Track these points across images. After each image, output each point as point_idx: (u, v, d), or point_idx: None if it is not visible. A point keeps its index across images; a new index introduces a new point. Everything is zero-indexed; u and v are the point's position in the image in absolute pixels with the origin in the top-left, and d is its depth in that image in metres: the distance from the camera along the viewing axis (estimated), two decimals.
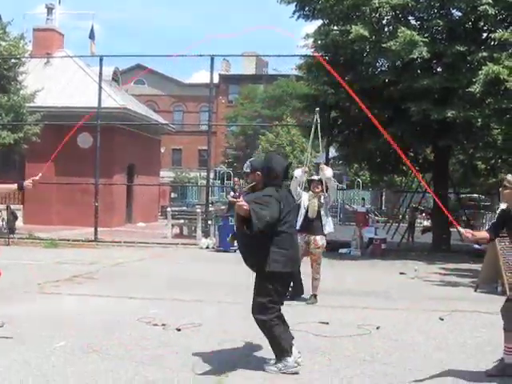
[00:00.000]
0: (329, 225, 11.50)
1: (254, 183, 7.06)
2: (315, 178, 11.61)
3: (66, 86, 29.99)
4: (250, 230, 6.41)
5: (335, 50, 20.87)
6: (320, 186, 11.38)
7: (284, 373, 6.78)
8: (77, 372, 6.74)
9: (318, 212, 11.26)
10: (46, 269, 15.37)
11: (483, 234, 7.31)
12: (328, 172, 11.43)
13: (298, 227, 10.62)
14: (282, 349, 6.89)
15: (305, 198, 11.41)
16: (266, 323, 6.85)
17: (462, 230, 7.00)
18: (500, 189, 7.51)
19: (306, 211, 11.26)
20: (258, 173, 7.04)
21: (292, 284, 10.55)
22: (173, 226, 26.19)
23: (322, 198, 11.34)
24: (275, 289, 6.85)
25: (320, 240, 11.31)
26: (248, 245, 6.78)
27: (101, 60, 24.88)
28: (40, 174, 8.27)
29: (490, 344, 8.31)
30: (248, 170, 7.26)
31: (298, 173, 11.34)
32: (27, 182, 8.15)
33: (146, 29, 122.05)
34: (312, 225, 11.27)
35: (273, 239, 6.74)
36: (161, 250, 21.35)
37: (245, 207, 6.36)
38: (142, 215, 32.55)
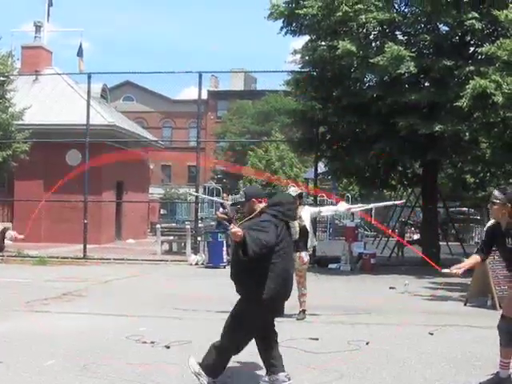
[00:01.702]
0: (310, 239, 11.64)
1: (255, 212, 6.89)
2: (292, 194, 11.31)
3: (54, 103, 29.96)
4: (245, 254, 6.31)
5: (323, 66, 20.94)
6: (298, 200, 11.08)
7: None
8: None
9: (302, 230, 11.23)
10: (34, 287, 15.29)
11: (473, 259, 7.30)
12: (342, 207, 12.27)
13: None
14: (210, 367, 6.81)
15: None
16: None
17: (447, 270, 7.02)
18: (488, 205, 7.50)
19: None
20: (254, 199, 6.95)
21: None
22: (162, 242, 26.11)
23: (304, 214, 11.36)
24: (261, 314, 6.75)
25: (305, 256, 11.39)
26: (241, 271, 6.65)
27: (89, 77, 24.92)
28: (22, 236, 8.29)
29: (481, 358, 8.30)
30: (243, 199, 7.18)
31: (292, 191, 11.33)
32: (12, 234, 8.17)
33: (135, 45, 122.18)
34: (296, 243, 11.04)
35: (266, 266, 6.61)
36: (150, 266, 21.28)
37: (239, 233, 6.28)
38: (132, 232, 32.47)
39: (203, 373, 6.74)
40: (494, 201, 6.83)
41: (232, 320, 6.78)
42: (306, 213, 11.45)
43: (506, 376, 6.88)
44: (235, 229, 6.35)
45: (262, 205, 6.93)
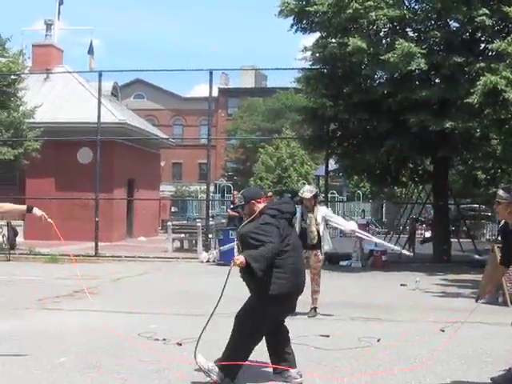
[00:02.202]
0: (327, 243, 11.60)
1: (255, 213, 6.94)
2: (307, 195, 11.40)
3: (65, 101, 30.05)
4: (255, 276, 6.45)
5: (333, 63, 20.93)
6: (313, 201, 11.41)
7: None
8: None
9: (318, 234, 11.36)
10: (46, 284, 15.35)
11: (500, 274, 7.36)
12: (349, 226, 12.24)
13: None
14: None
15: (299, 216, 11.29)
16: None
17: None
18: (494, 205, 7.53)
19: (303, 230, 11.20)
20: (253, 201, 6.99)
21: None
22: (173, 240, 26.16)
23: (319, 217, 11.39)
24: (273, 310, 6.80)
25: (320, 255, 11.49)
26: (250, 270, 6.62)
27: (100, 75, 24.99)
28: (49, 220, 8.29)
29: (492, 355, 8.30)
30: (242, 202, 7.17)
31: (307, 190, 11.56)
32: (38, 211, 8.16)
33: (146, 43, 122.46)
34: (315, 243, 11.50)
35: (275, 262, 6.65)
36: (161, 264, 21.33)
37: (239, 261, 6.42)
38: (143, 230, 32.56)
39: (215, 369, 6.76)
40: (499, 200, 6.87)
41: (242, 316, 6.82)
42: (320, 215, 11.42)
43: None
44: (235, 259, 6.51)
45: (262, 205, 6.98)
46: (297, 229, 10.85)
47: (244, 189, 7.74)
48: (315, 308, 11.45)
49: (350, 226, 12.22)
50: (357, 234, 12.29)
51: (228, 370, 6.75)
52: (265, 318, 6.78)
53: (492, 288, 7.30)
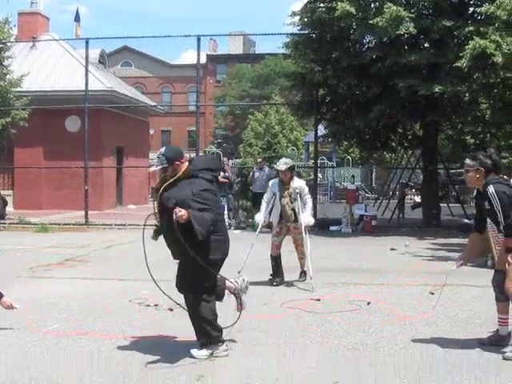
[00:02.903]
0: (307, 216, 11.12)
1: (178, 175, 6.56)
2: (282, 168, 11.00)
3: (52, 69, 29.84)
4: (194, 239, 6.22)
5: (322, 27, 20.84)
6: (289, 173, 11.06)
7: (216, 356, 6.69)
8: (71, 354, 6.78)
9: (294, 211, 11.05)
10: (37, 253, 15.35)
11: (472, 241, 7.65)
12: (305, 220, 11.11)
13: (274, 217, 11.26)
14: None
15: (274, 189, 11.24)
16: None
17: (455, 267, 7.22)
18: (463, 175, 7.71)
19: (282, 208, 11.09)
20: (177, 162, 6.57)
21: (272, 271, 11.20)
22: None
23: (294, 193, 11.03)
24: (212, 274, 6.70)
25: (300, 226, 11.06)
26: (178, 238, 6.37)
27: (87, 42, 24.75)
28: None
29: (480, 316, 8.40)
30: (165, 164, 6.62)
31: (283, 163, 11.11)
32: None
33: (133, 10, 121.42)
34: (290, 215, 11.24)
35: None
36: (152, 231, 21.29)
37: (182, 215, 6.13)
38: (133, 198, 32.51)
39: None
40: (468, 169, 7.03)
41: (191, 288, 6.73)
42: (295, 191, 11.03)
43: (505, 333, 6.95)
44: (180, 212, 6.15)
45: (185, 165, 6.61)
46: (278, 206, 11.14)
47: (164, 148, 6.83)
48: (304, 272, 11.37)
49: (306, 219, 11.08)
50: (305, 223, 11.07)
51: (211, 339, 6.73)
52: (211, 279, 6.74)
53: (466, 256, 7.43)
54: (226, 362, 6.56)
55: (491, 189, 6.70)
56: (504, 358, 6.55)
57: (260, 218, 11.30)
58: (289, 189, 11.04)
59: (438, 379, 5.97)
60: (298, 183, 11.24)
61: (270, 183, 11.53)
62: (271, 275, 11.16)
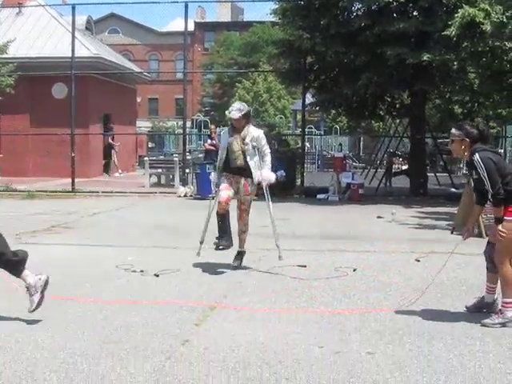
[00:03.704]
0: (265, 171, 9.34)
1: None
2: (234, 115, 9.14)
3: (38, 36, 29.53)
4: None
5: None
6: (243, 121, 9.19)
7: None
8: (57, 318, 6.79)
9: (244, 156, 9.21)
10: (23, 220, 15.29)
11: (476, 213, 7.48)
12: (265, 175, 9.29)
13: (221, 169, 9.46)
14: None
15: (224, 137, 9.56)
16: None
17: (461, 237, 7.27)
18: (448, 145, 7.70)
19: (227, 153, 9.27)
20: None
21: (218, 232, 9.51)
22: (151, 175, 26.12)
23: (248, 137, 9.17)
24: None
25: (251, 185, 9.32)
26: None
27: (73, 8, 24.51)
28: None
29: (466, 283, 8.44)
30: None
31: (236, 109, 9.22)
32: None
33: None
34: (240, 168, 9.30)
35: None
36: (139, 199, 21.31)
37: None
38: (120, 165, 32.41)
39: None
40: (453, 138, 7.01)
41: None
42: (250, 136, 9.21)
43: (491, 300, 6.99)
44: None
45: None
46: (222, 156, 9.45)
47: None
48: (241, 253, 9.67)
49: (265, 175, 9.30)
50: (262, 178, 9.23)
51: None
52: None
53: (470, 226, 7.38)
54: (211, 326, 6.57)
55: (476, 156, 6.67)
56: (482, 325, 6.61)
57: (213, 176, 9.77)
58: (242, 136, 9.20)
59: (423, 344, 6.00)
60: (256, 132, 9.30)
61: (222, 133, 10.25)
62: (216, 238, 9.51)
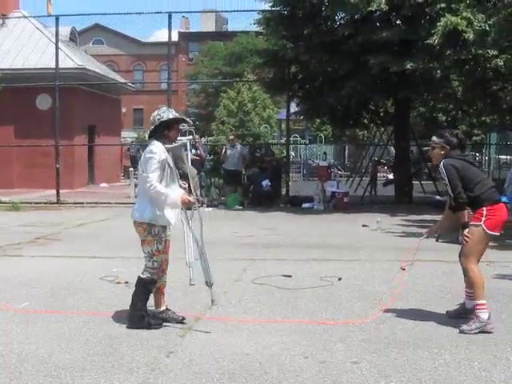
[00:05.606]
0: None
1: None
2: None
3: (22, 47, 29.52)
4: None
5: (293, 4, 20.71)
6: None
7: None
8: (41, 331, 6.74)
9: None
10: (8, 232, 15.23)
11: (445, 216, 7.60)
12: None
13: None
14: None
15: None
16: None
17: (425, 236, 7.97)
18: (428, 152, 7.91)
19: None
20: None
21: None
22: (136, 185, 26.01)
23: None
24: None
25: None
26: None
27: (57, 19, 24.43)
28: None
29: (451, 291, 8.45)
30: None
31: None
32: None
33: None
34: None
35: None
36: (124, 209, 21.21)
37: None
38: (105, 176, 32.35)
39: None
40: (433, 145, 7.16)
41: None
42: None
43: (471, 306, 7.02)
44: None
45: None
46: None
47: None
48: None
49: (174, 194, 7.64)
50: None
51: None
52: None
53: (434, 228, 7.65)
54: (196, 337, 6.56)
55: (441, 164, 6.91)
56: (460, 332, 6.67)
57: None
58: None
59: (408, 353, 6.01)
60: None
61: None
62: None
